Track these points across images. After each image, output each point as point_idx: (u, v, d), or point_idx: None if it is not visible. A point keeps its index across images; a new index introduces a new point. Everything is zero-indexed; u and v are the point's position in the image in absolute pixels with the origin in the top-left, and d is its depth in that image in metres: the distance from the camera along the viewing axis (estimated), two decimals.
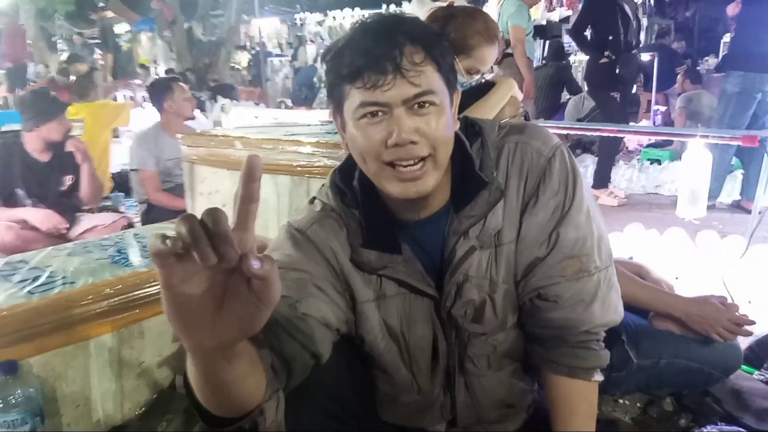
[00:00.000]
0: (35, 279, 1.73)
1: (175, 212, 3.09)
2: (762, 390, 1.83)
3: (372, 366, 1.28)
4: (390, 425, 1.35)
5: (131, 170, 3.77)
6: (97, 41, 11.59)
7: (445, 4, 2.11)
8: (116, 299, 1.68)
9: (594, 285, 1.14)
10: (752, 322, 1.72)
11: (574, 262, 1.13)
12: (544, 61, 7.67)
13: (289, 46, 15.55)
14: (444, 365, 1.24)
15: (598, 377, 1.19)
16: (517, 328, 1.24)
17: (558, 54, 7.68)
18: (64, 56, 11.22)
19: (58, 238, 3.13)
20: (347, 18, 13.58)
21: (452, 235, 1.15)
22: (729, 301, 1.77)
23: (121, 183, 4.92)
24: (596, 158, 5.44)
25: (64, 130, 3.28)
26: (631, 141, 7.03)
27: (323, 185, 1.26)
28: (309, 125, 3.15)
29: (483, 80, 2.04)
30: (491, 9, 5.00)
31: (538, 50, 7.64)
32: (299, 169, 2.01)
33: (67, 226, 3.27)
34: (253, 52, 14.57)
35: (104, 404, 1.71)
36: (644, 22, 9.13)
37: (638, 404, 1.83)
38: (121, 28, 8.63)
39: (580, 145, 6.55)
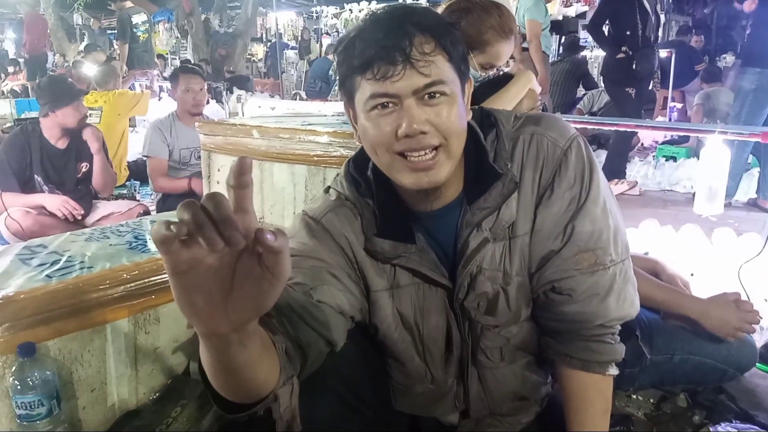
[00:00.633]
0: (54, 263, 1.74)
1: (194, 199, 3.10)
2: None
3: (386, 355, 1.28)
4: (403, 414, 1.36)
5: (143, 156, 3.78)
6: (114, 31, 11.66)
7: None
8: (133, 285, 1.69)
9: (609, 278, 1.13)
10: (759, 320, 1.71)
11: (589, 256, 1.13)
12: (559, 57, 7.64)
13: (294, 39, 15.52)
14: (458, 356, 1.25)
15: (613, 371, 1.19)
16: (531, 320, 1.24)
17: (573, 49, 7.64)
18: (82, 46, 11.28)
19: (75, 224, 3.16)
20: (364, 10, 13.55)
21: (465, 226, 1.15)
22: (743, 298, 1.76)
23: (138, 171, 4.94)
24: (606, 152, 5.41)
25: (80, 116, 3.29)
26: (647, 138, 6.98)
27: (338, 175, 1.26)
28: (325, 116, 3.15)
29: (501, 72, 2.04)
30: (509, 3, 4.97)
31: (554, 45, 7.61)
32: (316, 158, 2.02)
33: (83, 212, 3.29)
34: (269, 44, 14.60)
35: (119, 388, 1.72)
36: (662, 18, 9.06)
37: (651, 400, 1.83)
38: (138, 18, 8.65)
39: (595, 141, 6.51)
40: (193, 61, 10.30)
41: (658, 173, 5.47)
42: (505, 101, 1.92)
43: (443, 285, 1.18)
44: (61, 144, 3.33)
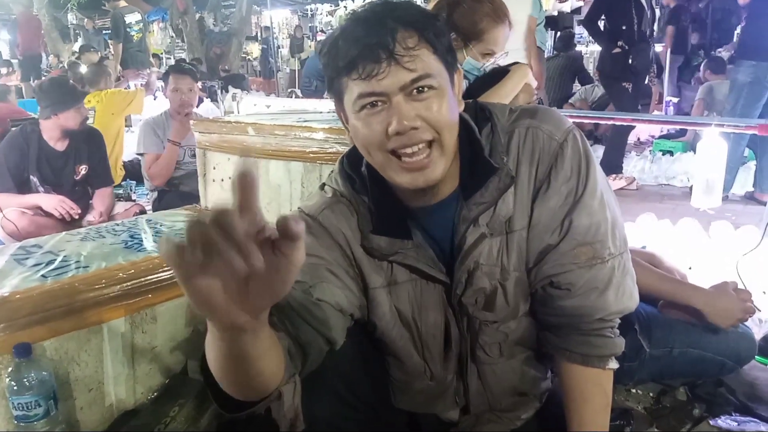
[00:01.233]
0: (49, 263, 1.73)
1: (187, 199, 3.09)
2: None
3: (385, 352, 1.28)
4: (402, 411, 1.36)
5: (138, 154, 3.77)
6: (108, 31, 11.64)
7: None
8: (129, 284, 1.68)
9: (608, 272, 1.13)
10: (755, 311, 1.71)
11: (588, 249, 1.12)
12: (555, 52, 7.64)
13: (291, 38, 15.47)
14: (456, 352, 1.24)
15: (613, 365, 1.18)
16: (530, 316, 1.24)
17: (568, 44, 7.64)
18: (76, 47, 11.26)
19: (71, 224, 3.15)
20: (359, 7, 13.53)
21: (462, 222, 1.14)
22: (740, 287, 1.76)
23: (133, 171, 4.93)
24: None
25: (81, 119, 3.30)
26: (643, 132, 6.99)
27: (332, 172, 1.25)
28: (321, 112, 3.14)
29: (497, 66, 2.03)
30: None
31: (550, 41, 7.60)
32: (311, 155, 2.01)
33: (80, 212, 3.28)
34: (263, 45, 14.57)
35: (117, 388, 1.71)
36: (657, 12, 9.06)
37: (651, 394, 1.83)
38: (132, 17, 8.62)
39: (592, 136, 6.52)
40: (187, 61, 10.30)
41: (655, 167, 5.47)
42: (501, 96, 1.92)
43: (441, 281, 1.18)
44: (60, 146, 3.32)
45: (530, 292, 1.21)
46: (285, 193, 2.14)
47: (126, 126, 5.54)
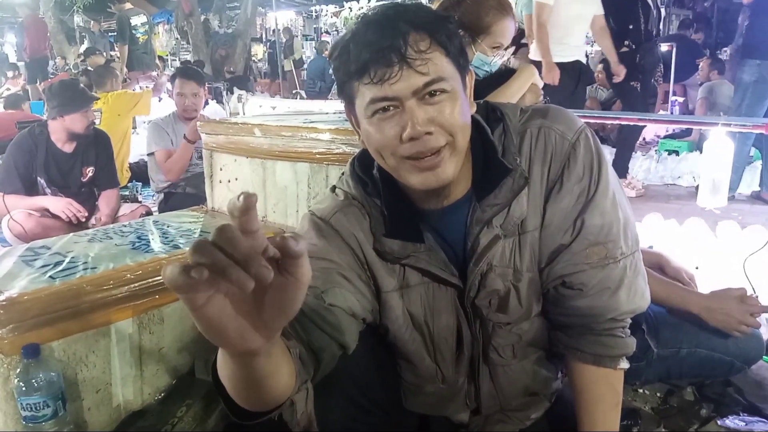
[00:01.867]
0: (57, 264, 1.74)
1: (193, 200, 3.09)
2: None
3: (396, 356, 1.28)
4: (414, 414, 1.35)
5: (148, 155, 3.77)
6: (114, 34, 11.68)
7: None
8: (137, 285, 1.69)
9: (620, 272, 1.12)
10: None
11: (600, 249, 1.11)
12: None
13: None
14: (468, 355, 1.24)
15: (624, 365, 1.18)
16: (542, 316, 1.23)
17: None
18: (82, 49, 11.30)
19: (77, 226, 3.16)
20: (364, 8, 13.53)
21: (475, 224, 1.13)
22: (749, 293, 1.75)
23: (139, 173, 4.95)
24: (614, 149, 5.39)
25: (87, 123, 3.31)
26: (648, 132, 6.97)
27: (342, 174, 1.25)
28: (326, 113, 3.15)
29: (504, 66, 2.03)
30: None
31: None
32: (318, 156, 2.01)
33: (86, 214, 3.29)
34: (270, 49, 14.58)
35: (124, 389, 1.71)
36: (663, 12, 9.04)
37: (658, 394, 1.83)
38: (137, 20, 8.66)
39: (598, 136, 6.50)
40: (192, 62, 10.32)
41: (661, 167, 5.46)
42: (507, 96, 1.92)
43: (453, 284, 1.17)
44: (68, 148, 3.34)
45: (542, 293, 1.20)
46: (291, 194, 2.14)
47: (132, 128, 5.56)
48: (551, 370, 1.31)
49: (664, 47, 6.99)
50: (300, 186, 2.11)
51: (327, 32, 15.87)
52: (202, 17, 12.05)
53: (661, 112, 7.55)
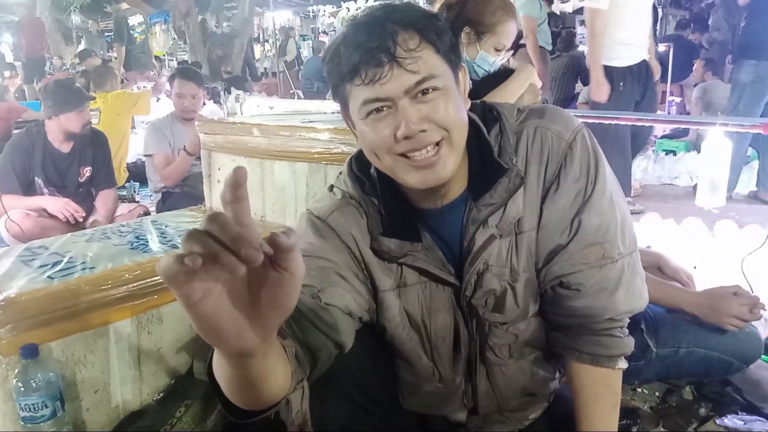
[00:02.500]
0: (55, 264, 1.74)
1: (191, 200, 3.09)
2: None
3: (394, 355, 1.28)
4: (411, 413, 1.36)
5: (146, 156, 3.76)
6: (111, 34, 11.67)
7: None
8: (135, 285, 1.69)
9: (618, 272, 1.12)
10: (763, 306, 1.71)
11: (597, 249, 1.11)
12: (557, 52, 7.64)
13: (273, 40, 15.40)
14: (465, 354, 1.24)
15: (623, 365, 1.18)
16: (539, 316, 1.23)
17: (569, 45, 7.65)
18: (78, 51, 11.27)
19: (75, 226, 3.15)
20: (361, 8, 13.51)
21: (471, 223, 1.13)
22: (743, 289, 1.76)
23: (137, 173, 4.94)
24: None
25: (83, 122, 3.29)
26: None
27: (340, 173, 1.24)
28: (325, 113, 3.14)
29: (502, 66, 2.04)
30: None
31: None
32: (316, 155, 2.01)
33: (84, 215, 3.29)
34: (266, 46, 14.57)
35: (123, 389, 1.71)
36: (660, 12, 9.06)
37: (657, 393, 1.83)
38: (135, 20, 8.65)
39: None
40: (189, 62, 10.31)
41: (658, 167, 5.46)
42: (506, 96, 1.92)
43: (450, 283, 1.17)
44: (65, 147, 3.33)
45: (539, 293, 1.20)
46: (290, 193, 2.14)
47: (131, 128, 5.55)
48: (549, 370, 1.31)
49: (661, 47, 7.00)
50: (298, 186, 2.11)
51: (324, 32, 15.86)
52: (199, 17, 12.02)
53: (658, 112, 7.56)
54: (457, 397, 1.30)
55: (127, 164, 5.03)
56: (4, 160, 3.26)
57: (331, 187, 1.24)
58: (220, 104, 7.70)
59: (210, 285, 0.60)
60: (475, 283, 1.16)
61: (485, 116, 1.16)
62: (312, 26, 17.31)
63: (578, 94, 7.33)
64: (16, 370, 1.47)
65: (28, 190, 3.26)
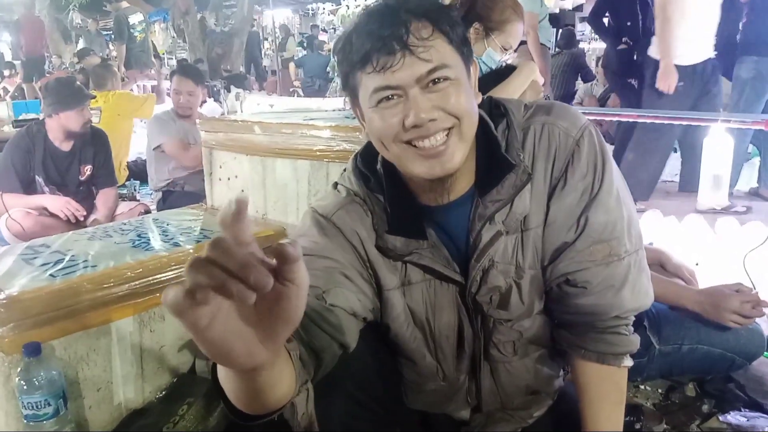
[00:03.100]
0: (57, 262, 1.73)
1: (192, 198, 3.09)
2: None
3: (397, 354, 1.27)
4: (416, 411, 1.35)
5: (153, 149, 3.76)
6: (110, 32, 11.66)
7: None
8: (137, 283, 1.69)
9: (624, 269, 1.11)
10: (765, 303, 1.71)
11: (604, 247, 1.10)
12: (557, 49, 7.64)
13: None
14: (470, 352, 1.23)
15: (628, 362, 1.17)
16: (544, 314, 1.22)
17: (569, 42, 7.65)
18: (77, 50, 11.25)
19: (76, 225, 3.15)
20: (360, 6, 13.50)
21: (477, 220, 1.12)
22: (745, 286, 1.76)
23: (137, 171, 4.94)
24: (612, 146, 5.40)
25: (83, 121, 3.29)
26: None
27: (344, 170, 1.23)
28: (326, 111, 3.14)
29: (503, 64, 2.04)
30: None
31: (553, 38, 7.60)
32: (318, 153, 2.00)
33: (85, 213, 3.28)
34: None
35: (125, 387, 1.71)
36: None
37: (660, 390, 1.83)
38: (135, 18, 8.63)
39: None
40: (189, 61, 10.30)
41: None
42: (508, 93, 1.91)
43: (455, 281, 1.16)
44: (66, 146, 3.33)
45: (545, 290, 1.19)
46: (292, 191, 2.13)
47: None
48: (553, 368, 1.31)
49: None
50: (300, 183, 2.10)
51: (324, 30, 15.85)
52: (199, 15, 12.02)
53: None
54: (460, 395, 1.29)
55: (128, 163, 5.02)
56: (4, 158, 3.26)
57: (336, 185, 1.23)
58: (220, 102, 7.71)
59: (216, 310, 0.58)
60: (480, 280, 1.15)
61: (492, 112, 1.15)
62: (311, 24, 17.29)
63: (576, 92, 7.35)
64: (19, 369, 1.47)
65: (29, 188, 3.26)
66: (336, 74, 9.15)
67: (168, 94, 6.12)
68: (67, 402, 1.52)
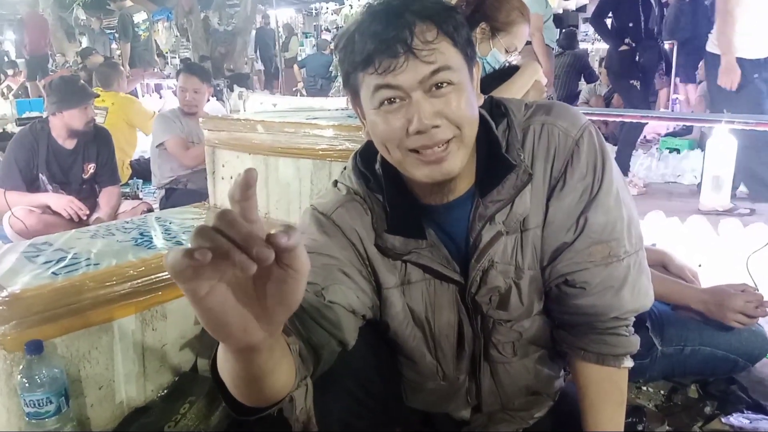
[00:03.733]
0: (60, 260, 1.74)
1: (195, 197, 3.09)
2: None
3: (397, 352, 1.27)
4: (416, 410, 1.35)
5: (157, 146, 3.77)
6: (114, 31, 11.68)
7: None
8: (139, 281, 1.69)
9: (624, 270, 1.11)
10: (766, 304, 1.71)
11: (603, 248, 1.10)
12: (560, 50, 7.64)
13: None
14: (469, 352, 1.23)
15: (628, 363, 1.17)
16: (543, 314, 1.22)
17: (572, 42, 7.64)
18: (80, 49, 11.25)
19: (79, 223, 3.15)
20: (364, 5, 13.46)
21: (478, 220, 1.12)
22: (749, 287, 1.76)
23: (140, 170, 4.94)
24: (615, 147, 5.39)
25: (87, 119, 3.29)
26: (649, 130, 6.96)
27: (344, 169, 1.23)
28: (329, 110, 3.14)
29: (507, 64, 2.03)
30: None
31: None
32: (321, 152, 2.00)
33: (88, 212, 3.29)
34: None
35: (127, 386, 1.71)
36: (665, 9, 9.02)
37: (662, 391, 1.83)
38: (138, 17, 8.65)
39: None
40: (192, 60, 10.30)
41: (662, 165, 5.45)
42: (512, 93, 1.91)
43: (455, 281, 1.16)
44: (69, 144, 3.33)
45: (544, 291, 1.19)
46: (294, 190, 2.14)
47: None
48: (554, 368, 1.30)
49: (666, 45, 6.98)
50: (302, 182, 2.10)
51: (327, 29, 15.85)
52: (202, 14, 12.02)
53: (662, 109, 7.55)
54: (460, 395, 1.29)
55: (131, 161, 5.02)
56: (8, 156, 3.27)
57: (335, 183, 1.23)
58: (223, 102, 7.71)
59: (215, 282, 0.59)
60: (480, 280, 1.15)
61: (492, 111, 1.15)
62: (315, 24, 17.30)
63: (580, 92, 7.34)
64: (21, 366, 1.47)
65: (32, 186, 3.26)
66: (338, 73, 9.13)
67: (175, 93, 6.12)
68: (68, 400, 1.52)
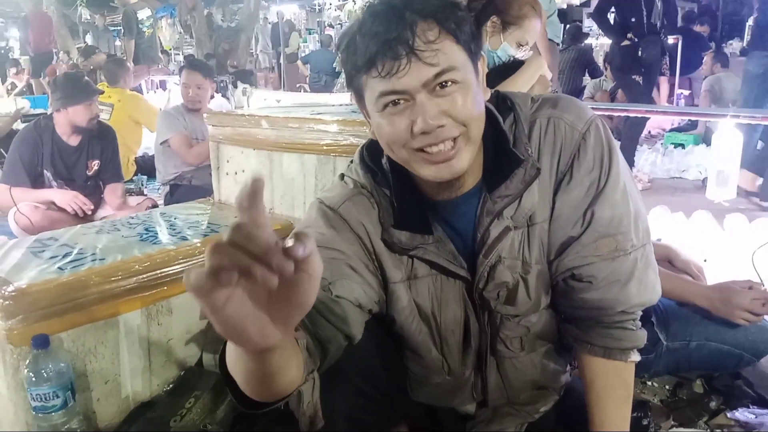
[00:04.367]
0: (65, 255, 1.74)
1: (199, 193, 3.10)
2: None
3: (403, 346, 1.27)
4: (420, 404, 1.35)
5: (161, 143, 3.77)
6: (119, 28, 11.68)
7: None
8: (145, 276, 1.69)
9: (630, 264, 1.11)
10: None
11: (610, 241, 1.10)
12: (565, 45, 7.62)
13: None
14: (476, 347, 1.23)
15: (635, 357, 1.17)
16: (551, 308, 1.22)
17: (577, 37, 7.62)
18: (82, 48, 11.25)
19: (83, 219, 3.16)
20: (366, 3, 13.43)
21: (486, 215, 1.11)
22: (756, 283, 1.75)
23: (144, 166, 4.95)
24: (619, 141, 5.39)
25: (91, 116, 3.30)
26: (653, 125, 6.95)
27: (351, 162, 1.23)
28: (333, 105, 3.14)
29: (512, 58, 2.03)
30: None
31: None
32: (325, 147, 2.00)
33: (92, 207, 3.30)
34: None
35: (133, 380, 1.72)
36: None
37: (667, 386, 1.83)
38: (143, 13, 8.65)
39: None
40: (196, 56, 10.30)
41: (667, 160, 5.44)
42: (516, 87, 1.91)
43: (461, 276, 1.16)
44: (74, 141, 3.34)
45: (551, 285, 1.19)
46: (299, 186, 2.13)
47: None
48: (560, 363, 1.31)
49: (669, 40, 6.96)
50: (307, 178, 2.10)
51: (330, 26, 15.82)
52: (205, 11, 12.01)
53: (665, 103, 7.53)
54: (466, 389, 1.29)
55: (135, 158, 5.03)
56: (12, 153, 3.27)
57: (342, 176, 1.22)
58: (227, 98, 7.71)
59: (231, 291, 0.59)
60: (487, 276, 1.15)
61: (499, 106, 1.15)
62: (318, 20, 17.28)
63: (585, 87, 7.33)
64: (28, 361, 1.47)
65: (37, 182, 3.27)
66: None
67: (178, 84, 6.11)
68: (75, 394, 1.53)
